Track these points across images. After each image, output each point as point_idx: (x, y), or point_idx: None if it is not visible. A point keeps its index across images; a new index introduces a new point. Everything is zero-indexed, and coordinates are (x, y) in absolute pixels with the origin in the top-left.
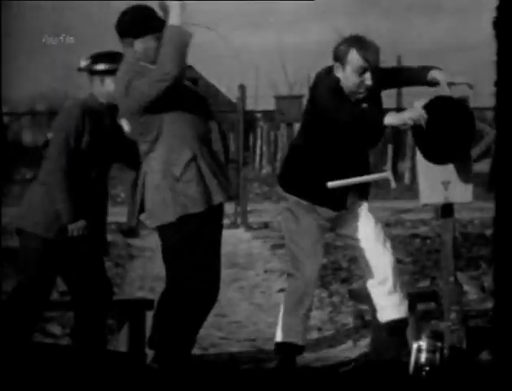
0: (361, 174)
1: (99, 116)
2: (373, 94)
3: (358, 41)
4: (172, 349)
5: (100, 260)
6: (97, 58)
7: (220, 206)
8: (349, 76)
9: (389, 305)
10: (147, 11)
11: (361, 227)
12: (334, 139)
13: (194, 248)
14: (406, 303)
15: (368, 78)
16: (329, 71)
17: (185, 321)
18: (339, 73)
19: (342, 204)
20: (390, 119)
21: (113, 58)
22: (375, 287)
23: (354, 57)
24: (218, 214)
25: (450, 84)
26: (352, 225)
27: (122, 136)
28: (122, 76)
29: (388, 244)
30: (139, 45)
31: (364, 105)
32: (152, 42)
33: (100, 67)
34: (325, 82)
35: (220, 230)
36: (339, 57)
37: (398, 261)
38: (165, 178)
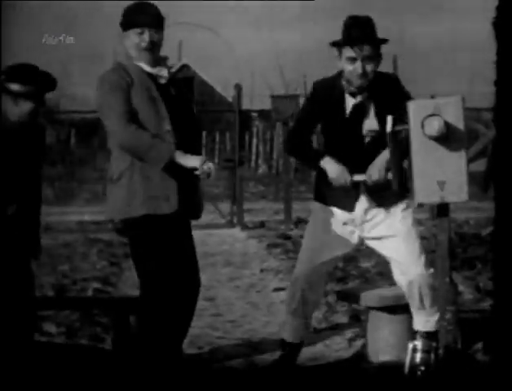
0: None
1: (11, 137)
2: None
3: (348, 32)
4: (153, 351)
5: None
6: (11, 74)
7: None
8: (343, 65)
9: (417, 320)
10: (136, 6)
11: (390, 245)
12: (333, 138)
13: (138, 251)
14: (436, 318)
15: (359, 66)
16: (332, 75)
17: (162, 322)
18: (339, 63)
19: (350, 205)
20: (325, 163)
21: (29, 76)
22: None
23: (346, 48)
24: (174, 224)
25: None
26: (383, 239)
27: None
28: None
29: (420, 263)
30: (124, 39)
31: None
32: (132, 37)
33: (14, 87)
34: (311, 87)
35: (180, 238)
36: (337, 48)
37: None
38: (109, 180)
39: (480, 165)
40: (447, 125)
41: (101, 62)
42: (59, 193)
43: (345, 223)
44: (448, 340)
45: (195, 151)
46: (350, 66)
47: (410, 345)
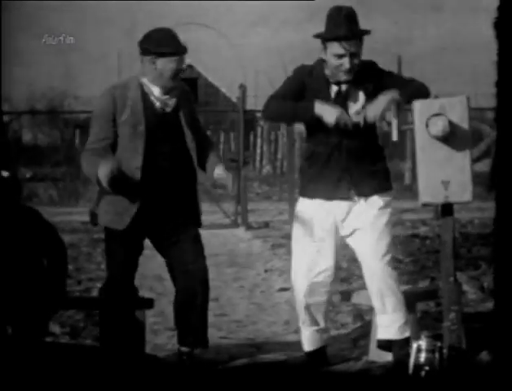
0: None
1: None
2: (368, 91)
3: (336, 28)
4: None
5: None
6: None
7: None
8: (329, 59)
9: (379, 324)
10: (164, 34)
11: (361, 237)
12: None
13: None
14: (398, 326)
15: (346, 62)
16: (315, 62)
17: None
18: (323, 55)
19: (344, 193)
20: (319, 107)
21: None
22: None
23: (332, 43)
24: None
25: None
26: (354, 231)
27: None
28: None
29: (386, 266)
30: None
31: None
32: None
33: None
34: (295, 69)
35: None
36: (321, 40)
37: (398, 261)
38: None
39: (485, 166)
40: (451, 124)
41: (105, 62)
42: (63, 193)
43: (331, 225)
44: (452, 340)
45: (178, 183)
46: (337, 61)
47: (414, 345)
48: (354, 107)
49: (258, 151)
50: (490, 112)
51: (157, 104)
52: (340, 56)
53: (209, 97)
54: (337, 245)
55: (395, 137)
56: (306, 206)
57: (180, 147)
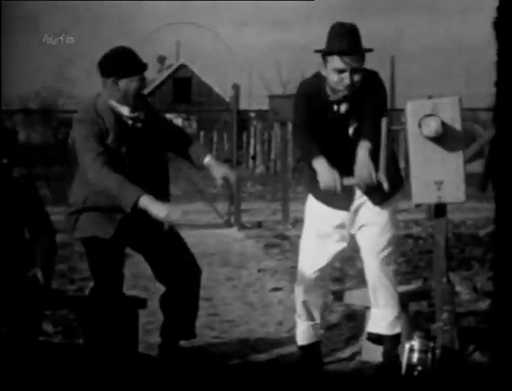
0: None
1: None
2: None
3: (338, 42)
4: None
5: None
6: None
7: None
8: (329, 73)
9: (371, 317)
10: (122, 55)
11: (363, 233)
12: (321, 137)
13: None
14: (388, 321)
15: (346, 77)
16: (314, 76)
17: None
18: (323, 70)
19: (346, 205)
20: (317, 163)
21: None
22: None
23: (333, 58)
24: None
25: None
26: (359, 228)
27: None
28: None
29: (382, 261)
30: (121, 84)
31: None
32: (120, 84)
33: None
34: (298, 90)
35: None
36: (322, 55)
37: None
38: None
39: (478, 166)
40: (444, 125)
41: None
42: (56, 192)
43: (337, 222)
44: (445, 341)
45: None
46: (337, 76)
47: (407, 345)
48: (353, 127)
49: (252, 151)
50: (483, 113)
51: (129, 122)
52: (341, 71)
53: (203, 97)
54: (344, 244)
55: (386, 186)
56: (315, 205)
57: (156, 154)
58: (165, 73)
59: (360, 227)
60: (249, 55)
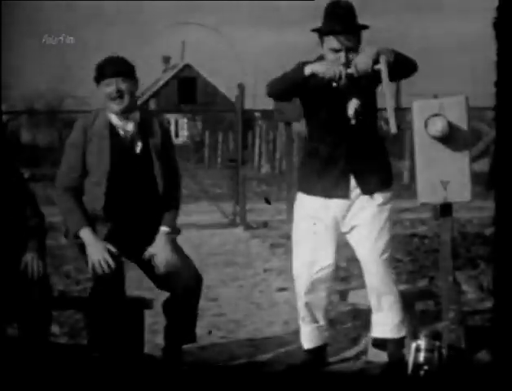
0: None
1: None
2: (366, 89)
3: (332, 21)
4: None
5: None
6: None
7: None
8: (326, 53)
9: (373, 321)
10: (104, 60)
11: (360, 234)
12: (323, 116)
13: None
14: (394, 324)
15: (342, 56)
16: (317, 58)
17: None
18: (320, 50)
19: (344, 192)
20: (310, 67)
21: None
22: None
23: (329, 38)
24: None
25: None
26: (353, 227)
27: None
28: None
29: (384, 264)
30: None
31: (355, 100)
32: (103, 89)
33: None
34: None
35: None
36: (319, 35)
37: (396, 260)
38: None
39: (484, 165)
40: (450, 124)
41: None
42: None
43: (331, 219)
44: (451, 339)
45: (145, 214)
46: (333, 56)
47: (413, 345)
48: (354, 103)
49: (257, 150)
50: (489, 112)
51: (121, 132)
52: (336, 51)
53: (208, 97)
54: (338, 241)
55: (393, 128)
56: (306, 202)
57: (146, 174)
58: (170, 73)
59: (354, 227)
60: (255, 55)
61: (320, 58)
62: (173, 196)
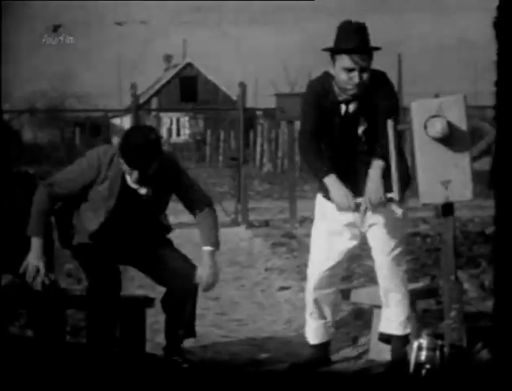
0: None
1: None
2: (370, 107)
3: (347, 40)
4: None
5: None
6: None
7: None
8: (338, 72)
9: (383, 317)
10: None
11: (374, 232)
12: (330, 138)
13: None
14: (399, 321)
15: (355, 76)
16: (323, 75)
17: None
18: (331, 69)
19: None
20: (329, 182)
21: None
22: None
23: (342, 57)
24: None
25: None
26: (370, 226)
27: None
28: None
29: (393, 261)
30: None
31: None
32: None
33: None
34: (307, 90)
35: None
36: (331, 54)
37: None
38: None
39: (485, 164)
40: (449, 125)
41: (105, 62)
42: None
43: (348, 220)
44: (453, 338)
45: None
46: (346, 75)
47: (415, 343)
48: (362, 126)
49: (259, 149)
50: (490, 110)
51: (133, 185)
52: (350, 70)
53: (209, 95)
54: (354, 240)
55: (396, 196)
56: (324, 203)
57: (145, 218)
58: (172, 72)
59: (370, 226)
60: (256, 54)
61: (326, 74)
62: (211, 217)
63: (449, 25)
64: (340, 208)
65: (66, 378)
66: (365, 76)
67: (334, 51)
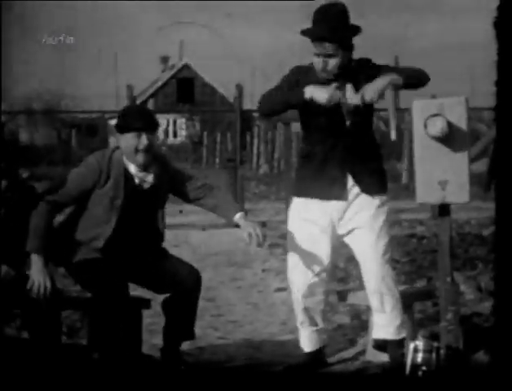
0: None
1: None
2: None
3: (313, 28)
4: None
5: None
6: None
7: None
8: (314, 58)
9: (376, 323)
10: (134, 111)
11: (359, 237)
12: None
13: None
14: (395, 326)
15: (320, 62)
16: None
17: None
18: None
19: (341, 194)
20: (310, 92)
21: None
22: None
23: (314, 42)
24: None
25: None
26: (351, 230)
27: None
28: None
29: (385, 266)
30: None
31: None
32: (129, 139)
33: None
34: (291, 68)
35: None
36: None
37: (395, 261)
38: None
39: (482, 165)
40: (449, 125)
41: (102, 62)
42: None
43: (327, 222)
44: (449, 340)
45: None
46: (316, 59)
47: (411, 345)
48: (347, 106)
49: (255, 150)
50: (487, 112)
51: (136, 180)
52: (317, 54)
53: (206, 97)
54: (334, 244)
55: (393, 135)
56: (301, 205)
57: (151, 216)
58: (169, 73)
59: (353, 230)
60: (253, 56)
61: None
62: (221, 191)
63: (447, 26)
64: (330, 102)
65: (61, 379)
66: (332, 62)
67: (306, 36)
